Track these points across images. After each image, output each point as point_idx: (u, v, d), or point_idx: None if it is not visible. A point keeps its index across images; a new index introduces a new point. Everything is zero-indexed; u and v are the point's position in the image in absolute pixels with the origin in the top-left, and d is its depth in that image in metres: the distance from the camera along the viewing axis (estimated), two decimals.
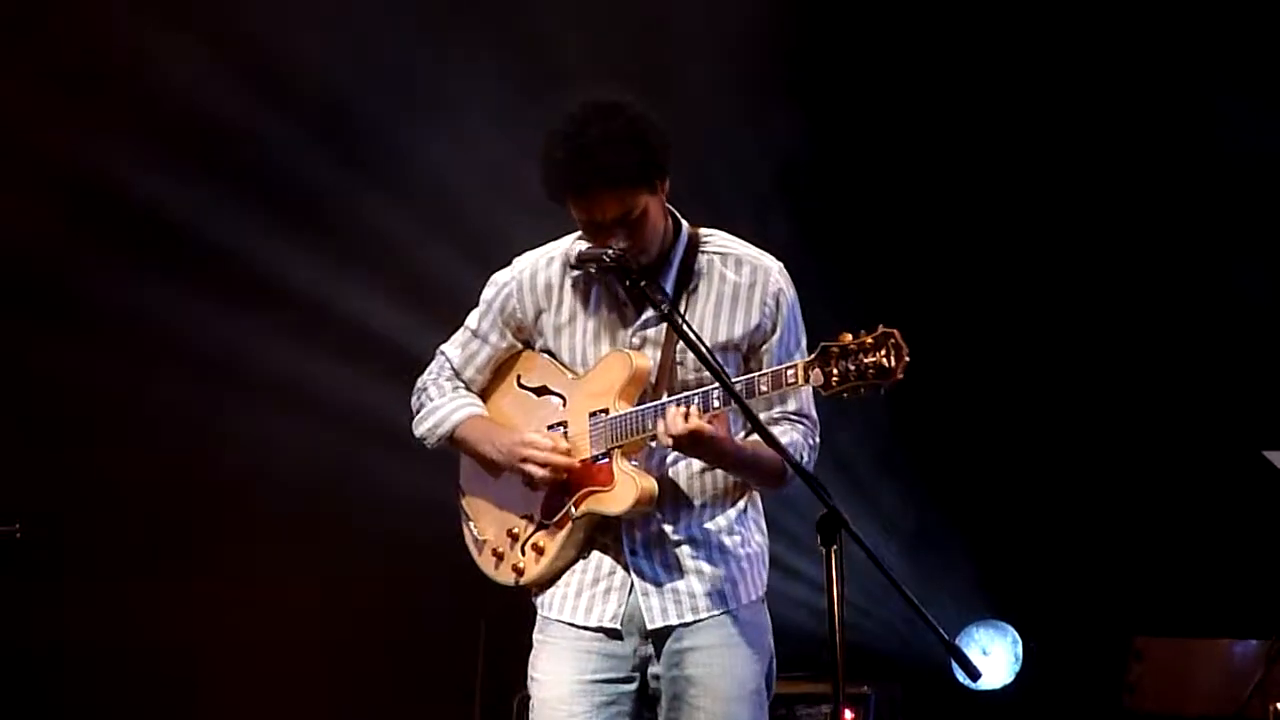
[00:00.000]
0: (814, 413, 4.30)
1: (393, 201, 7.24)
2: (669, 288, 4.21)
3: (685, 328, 4.07)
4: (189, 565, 7.18)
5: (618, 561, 4.24)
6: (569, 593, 4.26)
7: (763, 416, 4.19)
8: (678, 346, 4.19)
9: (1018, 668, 7.59)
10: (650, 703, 4.26)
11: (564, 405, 4.29)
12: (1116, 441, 7.52)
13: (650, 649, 4.23)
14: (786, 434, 4.22)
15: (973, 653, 7.50)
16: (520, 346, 4.39)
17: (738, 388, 4.02)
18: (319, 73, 7.14)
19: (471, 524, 4.42)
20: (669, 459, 4.23)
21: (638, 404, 4.17)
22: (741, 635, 4.24)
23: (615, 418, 4.18)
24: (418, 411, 4.44)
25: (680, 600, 4.22)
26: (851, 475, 7.40)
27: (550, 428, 4.29)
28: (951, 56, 7.56)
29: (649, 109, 4.14)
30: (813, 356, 3.98)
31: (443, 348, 4.48)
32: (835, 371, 3.93)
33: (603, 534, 4.25)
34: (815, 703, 6.66)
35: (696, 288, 4.25)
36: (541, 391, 4.34)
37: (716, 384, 4.02)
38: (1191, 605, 7.18)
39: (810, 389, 4.11)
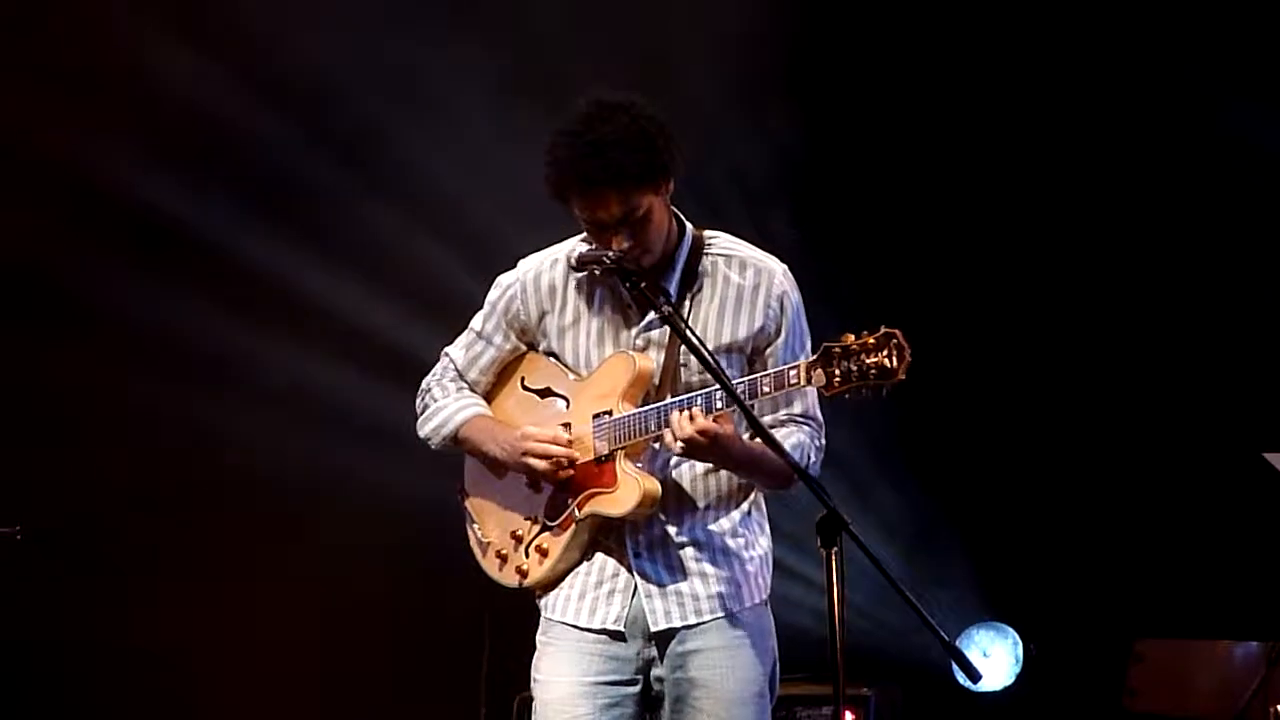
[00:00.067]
0: (820, 415, 4.29)
1: (393, 202, 7.23)
2: (673, 289, 4.21)
3: (686, 329, 4.06)
4: (189, 565, 7.18)
5: (621, 563, 4.23)
6: (572, 594, 4.26)
7: (768, 419, 4.20)
8: (681, 348, 4.17)
9: (1018, 670, 7.57)
10: (653, 705, 4.25)
11: (568, 407, 4.28)
12: (1117, 443, 7.50)
13: (654, 651, 4.22)
14: (792, 436, 4.22)
15: (973, 654, 7.48)
16: (524, 348, 4.39)
17: (740, 389, 4.01)
18: (318, 73, 7.13)
19: (475, 526, 4.41)
20: (673, 461, 4.22)
21: (641, 406, 4.16)
22: (745, 638, 4.23)
23: (619, 419, 4.17)
24: (422, 412, 4.44)
25: (684, 603, 4.22)
26: (852, 477, 7.39)
27: None
28: (952, 56, 7.54)
29: (656, 109, 4.13)
30: (815, 357, 3.97)
31: (447, 349, 4.48)
32: (837, 372, 3.93)
33: (606, 536, 4.24)
34: (816, 704, 6.65)
35: (701, 289, 4.24)
36: (545, 393, 4.33)
37: (718, 385, 4.01)
38: (1192, 607, 7.16)
39: (815, 390, 4.10)
